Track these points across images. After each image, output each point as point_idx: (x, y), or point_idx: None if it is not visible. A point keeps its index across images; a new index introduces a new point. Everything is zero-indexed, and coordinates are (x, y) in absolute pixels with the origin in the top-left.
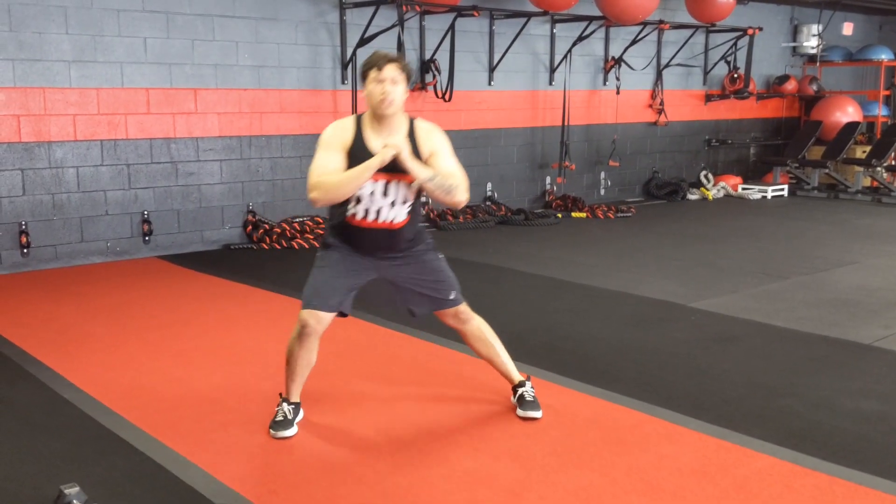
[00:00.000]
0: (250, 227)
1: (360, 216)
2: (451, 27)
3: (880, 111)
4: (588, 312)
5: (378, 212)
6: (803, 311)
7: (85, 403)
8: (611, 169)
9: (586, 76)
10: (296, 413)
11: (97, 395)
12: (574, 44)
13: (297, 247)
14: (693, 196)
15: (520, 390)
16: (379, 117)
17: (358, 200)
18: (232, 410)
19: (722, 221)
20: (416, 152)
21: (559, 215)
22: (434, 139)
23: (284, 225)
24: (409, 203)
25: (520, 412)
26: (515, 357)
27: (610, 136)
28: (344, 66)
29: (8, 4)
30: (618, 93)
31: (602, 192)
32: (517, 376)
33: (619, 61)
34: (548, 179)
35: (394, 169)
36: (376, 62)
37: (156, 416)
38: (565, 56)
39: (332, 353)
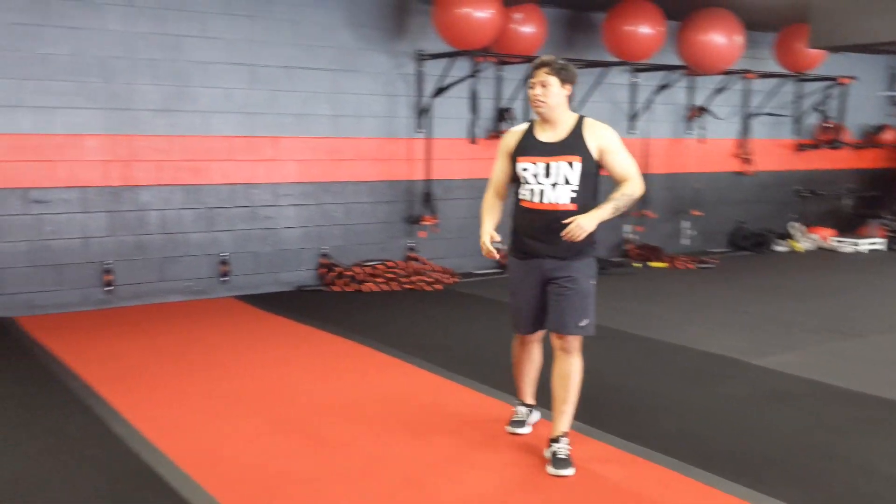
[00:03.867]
0: (323, 270)
1: (527, 198)
2: (527, 77)
3: None
4: (643, 366)
5: (542, 193)
6: (867, 371)
7: (132, 438)
8: (694, 218)
9: (668, 125)
10: (529, 413)
11: (144, 431)
12: (655, 92)
13: (366, 290)
14: (781, 248)
15: (554, 446)
16: (541, 116)
17: (525, 182)
18: (264, 453)
19: (807, 275)
20: (583, 145)
21: (637, 265)
22: (602, 136)
23: (356, 268)
24: (572, 186)
25: (550, 470)
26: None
27: (692, 185)
28: (419, 115)
29: (102, 58)
30: (702, 142)
31: (684, 241)
32: (561, 430)
33: (702, 110)
34: (626, 228)
35: (552, 151)
36: (533, 67)
37: (195, 454)
38: (646, 105)
39: None
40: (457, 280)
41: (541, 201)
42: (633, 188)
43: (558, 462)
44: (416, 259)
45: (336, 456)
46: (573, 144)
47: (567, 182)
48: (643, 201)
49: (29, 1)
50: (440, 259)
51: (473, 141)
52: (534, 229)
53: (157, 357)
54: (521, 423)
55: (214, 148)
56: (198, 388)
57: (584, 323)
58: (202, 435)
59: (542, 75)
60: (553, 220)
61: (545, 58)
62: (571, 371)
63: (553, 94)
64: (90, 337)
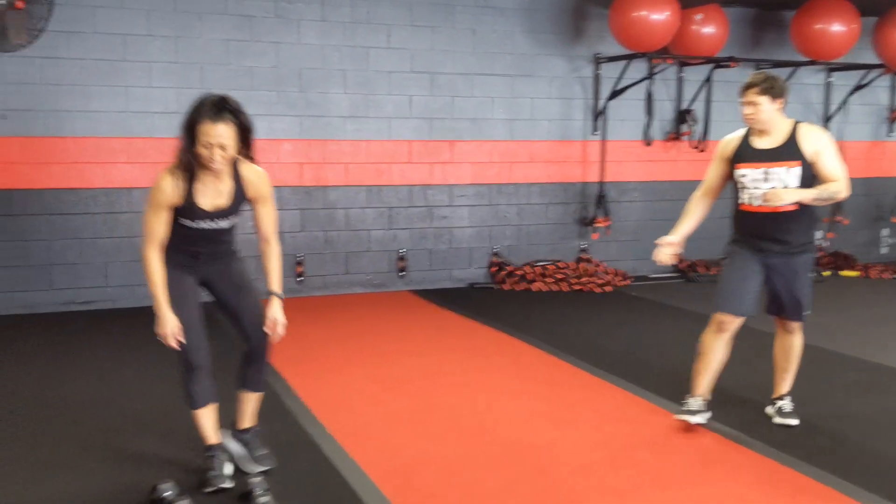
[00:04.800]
0: (494, 269)
1: (746, 202)
2: (708, 78)
3: None
4: (804, 375)
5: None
6: None
7: (300, 412)
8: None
9: (867, 126)
10: (703, 407)
11: (311, 406)
12: (851, 92)
13: (535, 289)
14: None
15: (779, 402)
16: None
17: (744, 187)
18: (414, 432)
19: None
20: (799, 150)
21: (825, 272)
22: (817, 140)
23: (527, 268)
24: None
25: (777, 419)
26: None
27: (893, 189)
28: (595, 118)
29: (299, 69)
30: None
31: (884, 250)
32: (784, 390)
33: None
34: (817, 234)
35: (769, 157)
36: (742, 89)
37: (349, 430)
38: (841, 106)
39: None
40: (628, 283)
41: (761, 205)
42: (838, 187)
43: (785, 414)
44: (587, 261)
45: (479, 442)
46: (789, 150)
47: (785, 187)
48: (836, 206)
49: (238, 19)
50: (613, 261)
51: (649, 143)
52: (756, 231)
53: (335, 342)
54: (695, 413)
55: (396, 151)
56: (365, 371)
57: (807, 312)
58: (359, 413)
59: (751, 96)
60: (773, 221)
61: (752, 78)
62: (794, 345)
63: (763, 111)
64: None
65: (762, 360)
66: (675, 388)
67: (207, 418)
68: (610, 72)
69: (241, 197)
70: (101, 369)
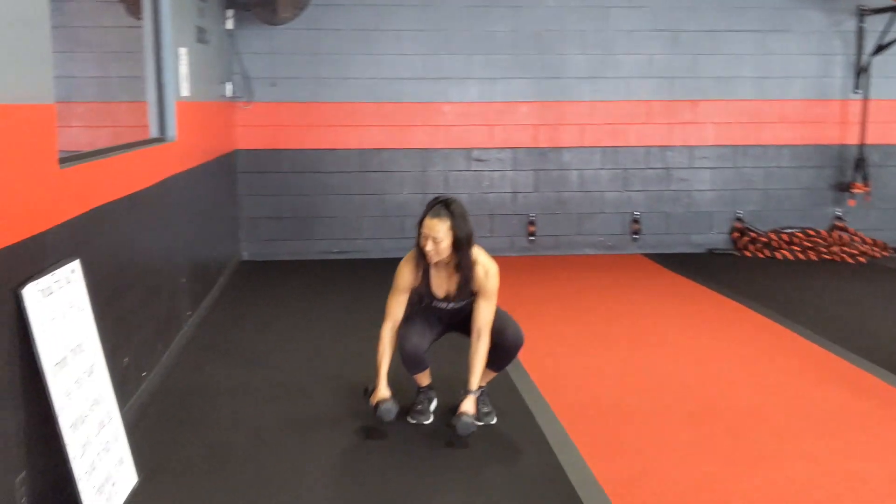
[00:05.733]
0: (736, 234)
1: None
2: None
3: None
4: None
5: None
6: None
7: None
8: None
9: None
10: None
11: (521, 358)
12: None
13: (780, 257)
14: None
15: None
16: None
17: None
18: (614, 385)
19: None
20: None
21: None
22: None
23: (772, 235)
24: None
25: None
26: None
27: None
28: (857, 75)
29: (537, 32)
30: None
31: None
32: None
33: None
34: None
35: None
36: None
37: (546, 373)
38: None
39: None
40: (887, 255)
41: None
42: None
43: None
44: (843, 229)
45: (677, 399)
46: None
47: None
48: None
49: None
50: (871, 231)
51: None
52: None
53: (557, 299)
54: None
55: (633, 112)
56: (578, 328)
57: None
58: (562, 363)
59: None
60: None
61: None
62: None
63: None
64: (511, 278)
65: None
66: None
67: (420, 375)
68: (875, 24)
69: (467, 288)
70: (342, 310)
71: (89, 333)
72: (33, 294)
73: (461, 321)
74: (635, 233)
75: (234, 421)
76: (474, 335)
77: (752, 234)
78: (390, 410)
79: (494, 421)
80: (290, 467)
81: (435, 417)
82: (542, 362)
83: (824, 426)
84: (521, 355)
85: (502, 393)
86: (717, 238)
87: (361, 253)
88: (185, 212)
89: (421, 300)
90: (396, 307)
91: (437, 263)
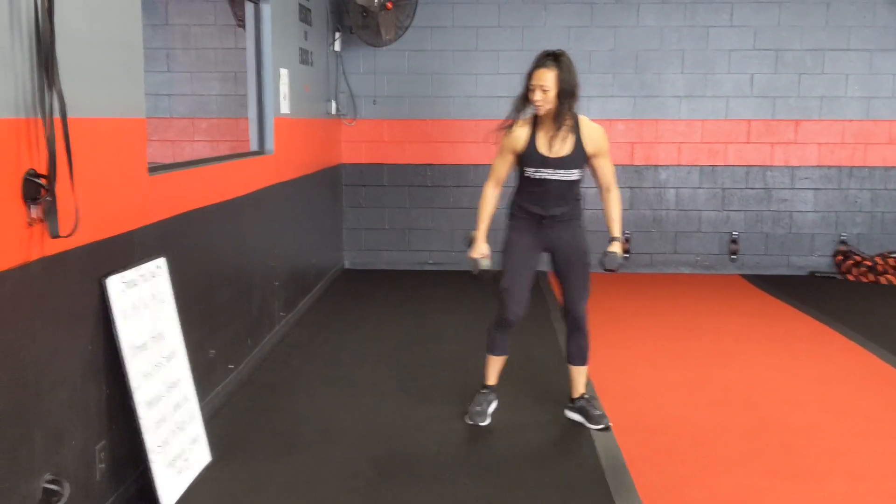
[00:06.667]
0: (840, 257)
1: None
2: None
3: None
4: None
5: None
6: None
7: None
8: None
9: None
10: None
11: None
12: None
13: (885, 282)
14: None
15: None
16: None
17: None
18: (676, 398)
19: None
20: None
21: None
22: None
23: (878, 259)
24: None
25: None
26: None
27: None
28: None
29: (636, 52)
30: None
31: None
32: None
33: None
34: None
35: None
36: None
37: (613, 385)
38: None
39: None
40: None
41: None
42: None
43: None
44: None
45: (734, 414)
46: None
47: None
48: None
49: (580, 7)
50: None
51: None
52: None
53: (644, 314)
54: None
55: (733, 131)
56: (657, 343)
57: None
58: (630, 375)
59: None
60: None
61: None
62: None
63: None
64: (602, 294)
65: None
66: None
67: (494, 365)
68: None
69: (581, 150)
70: (431, 318)
71: (171, 324)
72: (116, 284)
73: (556, 240)
74: (733, 253)
75: (307, 414)
76: (605, 191)
77: (857, 258)
78: (486, 264)
79: (609, 425)
80: (346, 462)
81: (492, 420)
82: (611, 373)
83: (879, 447)
84: (592, 367)
85: (562, 401)
86: (818, 261)
87: (455, 265)
88: (282, 220)
89: (526, 168)
90: (501, 166)
91: (542, 125)
